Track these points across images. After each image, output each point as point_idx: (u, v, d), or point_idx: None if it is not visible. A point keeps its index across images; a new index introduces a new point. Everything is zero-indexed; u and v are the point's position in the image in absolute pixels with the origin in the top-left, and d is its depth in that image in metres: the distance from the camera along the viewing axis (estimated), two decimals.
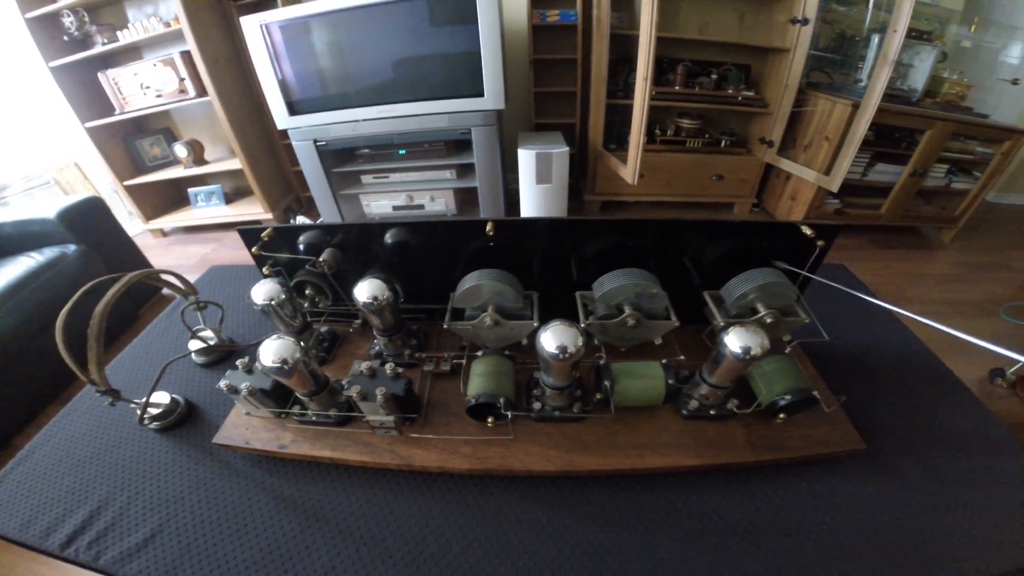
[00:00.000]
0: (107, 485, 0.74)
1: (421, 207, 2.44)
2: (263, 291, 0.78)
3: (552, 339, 0.60)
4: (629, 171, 2.19)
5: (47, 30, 2.26)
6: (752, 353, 0.60)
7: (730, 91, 2.37)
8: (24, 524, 0.69)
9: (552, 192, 2.29)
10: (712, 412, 0.72)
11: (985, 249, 2.41)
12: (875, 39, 2.09)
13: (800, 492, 0.67)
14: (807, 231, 0.73)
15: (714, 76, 2.33)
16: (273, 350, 0.62)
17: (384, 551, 0.63)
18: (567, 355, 0.60)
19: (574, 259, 0.84)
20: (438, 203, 2.42)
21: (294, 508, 0.68)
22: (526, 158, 2.20)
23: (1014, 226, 2.65)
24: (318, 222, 1.92)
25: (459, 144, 2.32)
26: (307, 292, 0.92)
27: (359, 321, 0.94)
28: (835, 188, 2.13)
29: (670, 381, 0.70)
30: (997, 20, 2.33)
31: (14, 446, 1.47)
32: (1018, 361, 1.43)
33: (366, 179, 2.42)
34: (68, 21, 2.24)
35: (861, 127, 1.92)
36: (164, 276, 0.85)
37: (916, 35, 2.12)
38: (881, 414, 0.78)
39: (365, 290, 0.73)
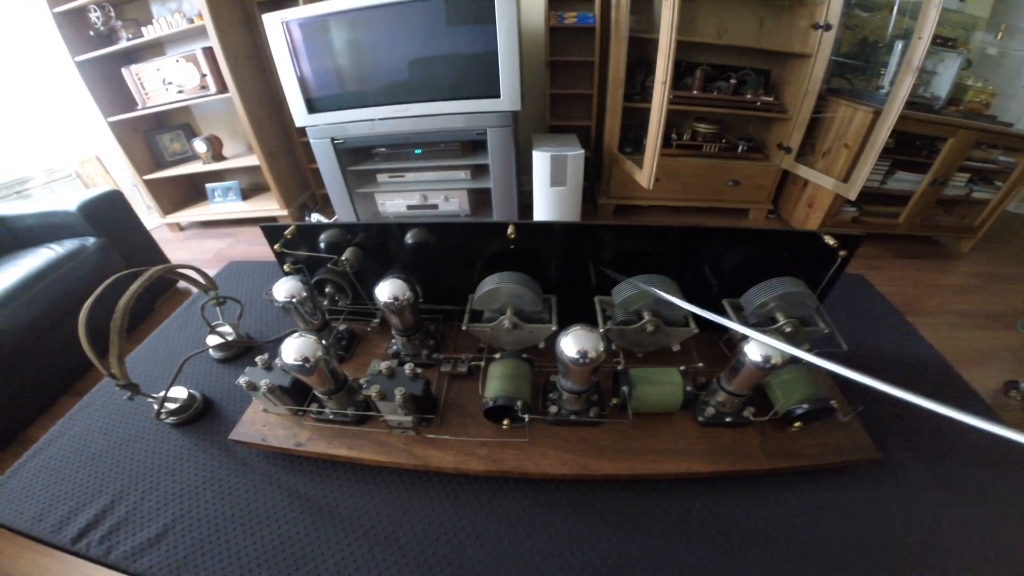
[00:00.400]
0: (121, 479, 0.74)
1: (435, 207, 2.44)
2: (285, 288, 0.79)
3: (573, 344, 0.60)
4: (645, 175, 2.18)
5: (74, 25, 2.30)
6: (772, 362, 0.60)
7: (749, 96, 2.34)
8: (37, 517, 0.70)
9: (566, 195, 2.28)
10: (728, 419, 0.71)
11: (1004, 260, 2.36)
12: (899, 45, 2.05)
13: (814, 499, 0.67)
14: (830, 241, 0.73)
15: (732, 81, 2.31)
16: (295, 348, 0.62)
17: (397, 550, 0.63)
18: (588, 360, 0.60)
19: (592, 264, 0.84)
20: (452, 203, 2.43)
21: (309, 506, 0.69)
22: (541, 160, 2.19)
23: None
24: (334, 220, 1.93)
25: (474, 145, 2.32)
26: (327, 290, 0.92)
27: (377, 320, 0.94)
28: (853, 196, 2.10)
29: (688, 388, 0.69)
30: None
31: (26, 438, 1.46)
32: None
33: (381, 178, 2.43)
34: (94, 16, 2.27)
35: (882, 134, 1.89)
36: (186, 271, 0.86)
37: (941, 42, 2.08)
38: (895, 423, 0.77)
39: (387, 290, 0.74)
